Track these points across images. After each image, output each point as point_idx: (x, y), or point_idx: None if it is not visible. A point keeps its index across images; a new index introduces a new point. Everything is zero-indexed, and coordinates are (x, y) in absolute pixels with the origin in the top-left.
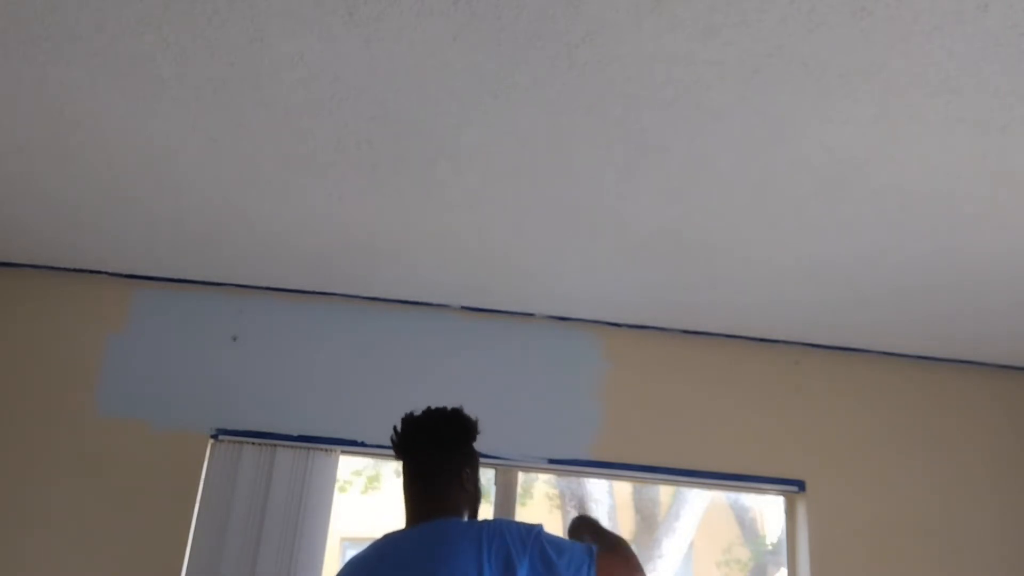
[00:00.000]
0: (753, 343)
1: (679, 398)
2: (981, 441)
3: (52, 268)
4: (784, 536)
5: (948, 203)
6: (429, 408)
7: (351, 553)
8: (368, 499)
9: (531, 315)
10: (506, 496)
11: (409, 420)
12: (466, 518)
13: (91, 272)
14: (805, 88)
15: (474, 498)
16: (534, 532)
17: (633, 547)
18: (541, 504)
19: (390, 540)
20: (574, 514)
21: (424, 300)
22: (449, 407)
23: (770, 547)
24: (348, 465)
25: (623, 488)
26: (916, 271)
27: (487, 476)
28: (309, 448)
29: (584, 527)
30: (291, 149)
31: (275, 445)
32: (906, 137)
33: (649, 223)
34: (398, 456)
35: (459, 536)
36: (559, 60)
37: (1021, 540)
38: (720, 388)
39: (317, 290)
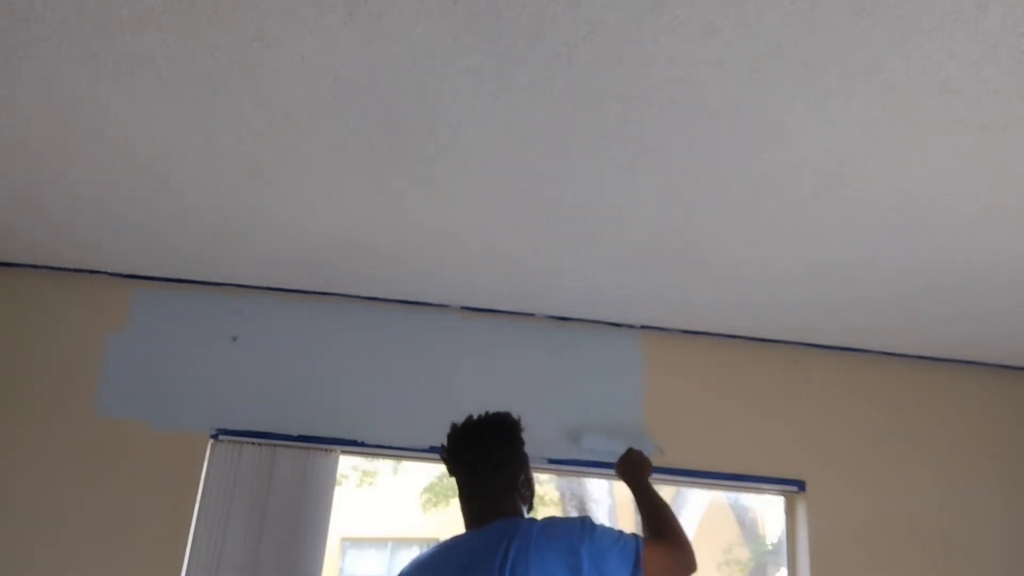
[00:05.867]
0: (753, 343)
1: (679, 398)
2: (981, 441)
3: (52, 268)
4: (784, 536)
5: (948, 203)
6: (472, 419)
7: (352, 553)
8: (364, 495)
9: (531, 315)
10: None
11: (457, 436)
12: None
13: (91, 272)
14: (805, 88)
15: (530, 498)
16: (587, 524)
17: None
18: (540, 508)
19: (457, 540)
20: (574, 514)
21: (424, 300)
22: (491, 412)
23: (770, 547)
24: (344, 460)
25: (623, 488)
26: (916, 271)
27: None
28: (309, 448)
29: (627, 470)
30: (291, 149)
31: (275, 445)
32: (906, 137)
33: (649, 223)
34: (451, 472)
35: (520, 533)
36: (559, 60)
37: (1021, 540)
38: (720, 388)
39: (317, 290)
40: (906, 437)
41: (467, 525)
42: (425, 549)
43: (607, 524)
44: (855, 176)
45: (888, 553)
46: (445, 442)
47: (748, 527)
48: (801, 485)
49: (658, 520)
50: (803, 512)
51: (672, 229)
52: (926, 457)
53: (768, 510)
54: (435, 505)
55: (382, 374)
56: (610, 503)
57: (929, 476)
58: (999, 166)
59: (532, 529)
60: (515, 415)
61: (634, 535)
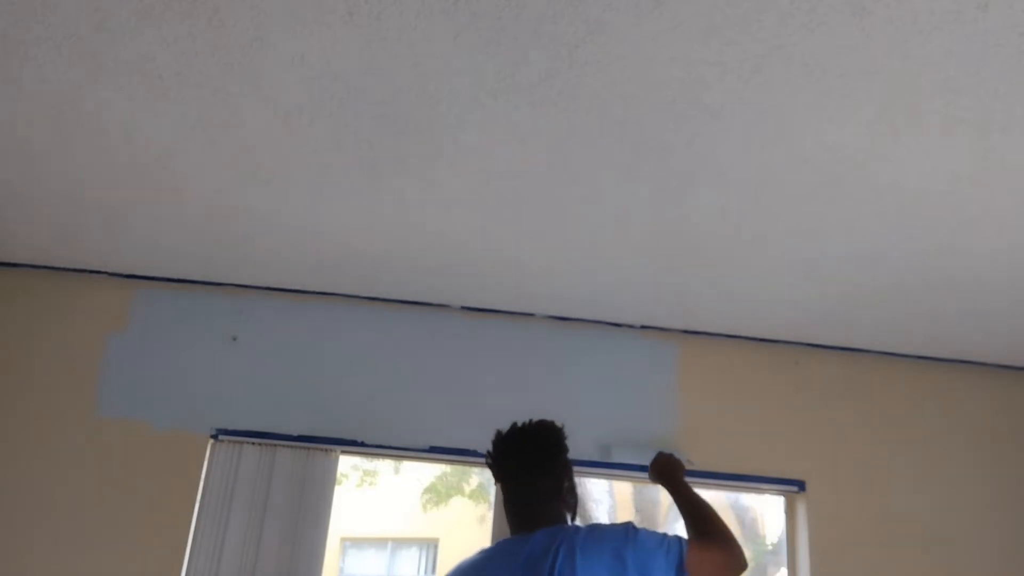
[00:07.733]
0: (753, 343)
1: (679, 398)
2: (981, 441)
3: (52, 268)
4: (784, 536)
5: (948, 203)
6: (516, 426)
7: (352, 553)
8: (364, 495)
9: (531, 315)
10: None
11: (502, 443)
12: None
13: (91, 272)
14: (805, 88)
15: (575, 505)
16: (630, 529)
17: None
18: None
19: (503, 545)
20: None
21: (424, 300)
22: (535, 420)
23: (770, 547)
24: (344, 460)
25: (623, 488)
26: (916, 271)
27: (487, 476)
28: (309, 448)
29: (661, 472)
30: (291, 149)
31: (275, 445)
32: (906, 137)
33: (649, 222)
34: (496, 478)
35: (566, 541)
36: (559, 60)
37: (1020, 540)
38: (720, 388)
39: (317, 290)
40: (906, 437)
41: (512, 530)
42: (472, 554)
43: (649, 529)
44: (855, 175)
45: (888, 553)
46: (490, 448)
47: (748, 527)
48: (801, 485)
49: (700, 519)
50: (803, 512)
51: (672, 229)
52: (926, 457)
53: (768, 510)
54: (436, 505)
55: (382, 374)
56: (610, 503)
57: (929, 476)
58: (999, 166)
59: (577, 536)
60: (558, 422)
61: (677, 537)
